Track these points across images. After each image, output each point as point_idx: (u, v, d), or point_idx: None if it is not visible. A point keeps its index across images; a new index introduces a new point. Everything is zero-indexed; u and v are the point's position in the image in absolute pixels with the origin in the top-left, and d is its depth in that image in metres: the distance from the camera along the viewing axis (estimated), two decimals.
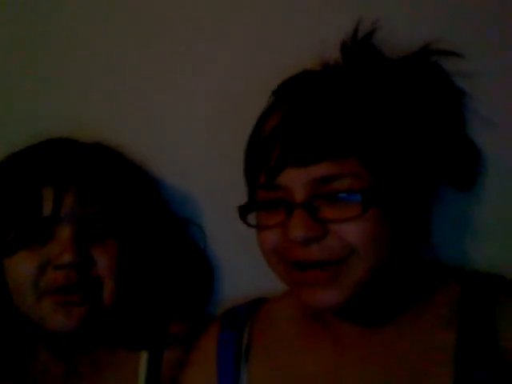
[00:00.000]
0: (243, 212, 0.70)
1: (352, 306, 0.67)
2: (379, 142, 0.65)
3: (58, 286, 0.74)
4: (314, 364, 0.72)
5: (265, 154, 0.66)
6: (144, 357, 0.82)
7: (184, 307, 0.86)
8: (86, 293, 0.75)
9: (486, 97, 0.75)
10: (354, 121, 0.64)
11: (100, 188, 0.77)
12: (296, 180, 0.64)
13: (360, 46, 0.75)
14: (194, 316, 0.87)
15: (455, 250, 0.78)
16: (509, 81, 0.75)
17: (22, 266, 0.74)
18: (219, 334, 0.79)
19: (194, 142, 0.89)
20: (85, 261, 0.75)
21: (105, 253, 0.76)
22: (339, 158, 0.63)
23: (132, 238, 0.80)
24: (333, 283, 0.64)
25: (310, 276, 0.64)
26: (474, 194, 0.76)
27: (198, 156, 0.89)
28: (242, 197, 0.72)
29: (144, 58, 0.90)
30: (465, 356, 0.64)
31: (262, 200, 0.68)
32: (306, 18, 0.82)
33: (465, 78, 0.75)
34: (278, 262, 0.67)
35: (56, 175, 0.76)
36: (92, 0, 0.90)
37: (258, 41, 0.85)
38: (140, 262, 0.81)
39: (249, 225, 0.70)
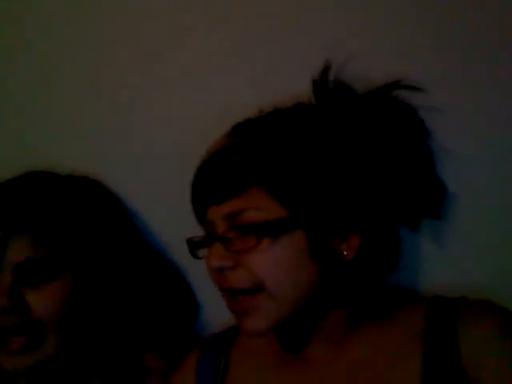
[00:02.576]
0: (192, 246, 0.74)
1: (304, 329, 0.72)
2: (285, 175, 0.67)
3: None
4: None
5: (194, 195, 0.73)
6: None
7: (167, 336, 0.86)
8: (29, 339, 0.75)
9: (450, 131, 0.77)
10: (251, 158, 0.68)
11: (51, 234, 0.77)
12: (215, 216, 0.70)
13: (328, 83, 0.78)
14: (176, 345, 0.86)
15: (414, 277, 0.81)
16: (472, 116, 0.78)
17: None
18: (198, 364, 0.80)
19: (175, 173, 0.89)
20: (20, 306, 0.74)
21: (46, 297, 0.76)
22: (241, 193, 0.67)
23: (95, 272, 0.79)
24: (250, 313, 0.68)
25: (234, 306, 0.69)
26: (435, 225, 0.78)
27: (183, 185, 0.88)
28: None
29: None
30: (430, 376, 0.66)
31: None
32: (279, 55, 0.85)
33: (429, 112, 0.77)
34: (221, 292, 0.72)
35: (2, 221, 0.76)
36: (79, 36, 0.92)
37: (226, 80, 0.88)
38: (111, 296, 0.80)
39: (197, 257, 0.74)
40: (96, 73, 0.92)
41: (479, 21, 0.77)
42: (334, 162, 0.68)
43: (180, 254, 0.89)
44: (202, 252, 0.74)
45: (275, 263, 0.67)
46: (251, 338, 0.77)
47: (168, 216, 0.91)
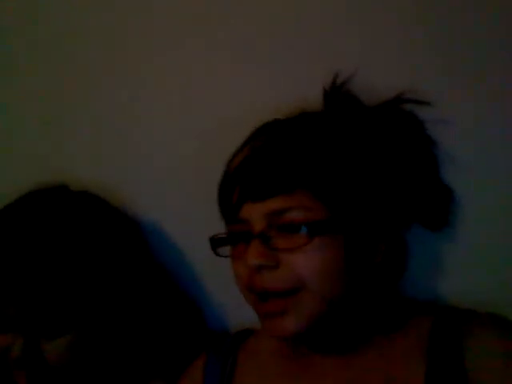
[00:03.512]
0: (214, 244, 0.73)
1: (320, 335, 0.70)
2: (332, 178, 0.68)
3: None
4: None
5: (228, 192, 0.72)
6: None
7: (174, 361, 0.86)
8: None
9: (457, 141, 0.77)
10: (302, 159, 0.68)
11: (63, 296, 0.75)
12: (254, 213, 0.68)
13: (338, 93, 0.79)
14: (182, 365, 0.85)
15: (425, 287, 0.80)
16: (476, 126, 0.78)
17: None
18: (205, 366, 0.80)
19: (175, 173, 0.90)
20: (34, 358, 0.75)
21: (57, 348, 0.76)
22: (289, 192, 0.67)
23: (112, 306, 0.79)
24: (288, 313, 0.67)
25: (268, 306, 0.68)
26: (445, 232, 0.78)
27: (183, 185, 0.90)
28: None
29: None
30: None
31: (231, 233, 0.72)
32: (279, 54, 0.85)
33: (435, 124, 0.77)
34: (249, 293, 0.70)
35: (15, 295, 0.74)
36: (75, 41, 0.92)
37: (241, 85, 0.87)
38: (123, 326, 0.80)
39: (219, 255, 0.73)
40: (96, 73, 0.92)
41: (479, 22, 0.77)
42: (367, 166, 0.70)
43: (180, 253, 0.90)
44: (223, 250, 0.73)
45: (321, 263, 0.66)
46: (279, 341, 0.76)
47: (167, 217, 0.91)
